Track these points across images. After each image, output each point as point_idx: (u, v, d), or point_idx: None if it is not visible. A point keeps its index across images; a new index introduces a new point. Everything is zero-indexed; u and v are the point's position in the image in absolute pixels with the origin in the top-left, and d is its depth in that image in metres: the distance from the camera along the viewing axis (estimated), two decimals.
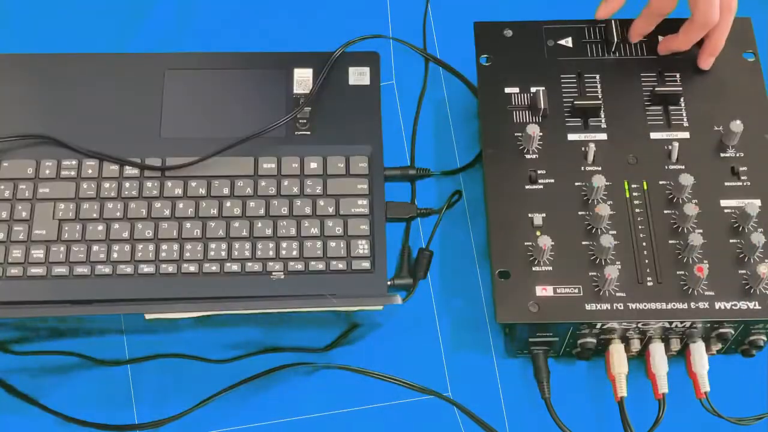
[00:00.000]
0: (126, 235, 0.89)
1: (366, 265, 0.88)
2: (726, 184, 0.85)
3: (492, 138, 0.88)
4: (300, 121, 0.95)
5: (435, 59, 1.01)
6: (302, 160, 0.93)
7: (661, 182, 0.85)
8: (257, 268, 0.88)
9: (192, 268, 0.88)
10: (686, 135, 0.87)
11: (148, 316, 0.84)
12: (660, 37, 0.90)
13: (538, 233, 0.83)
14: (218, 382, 0.86)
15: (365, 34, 1.00)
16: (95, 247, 0.89)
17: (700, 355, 0.82)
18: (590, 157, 0.86)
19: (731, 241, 0.82)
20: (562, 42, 0.92)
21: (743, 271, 0.81)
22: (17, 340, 0.89)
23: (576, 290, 0.81)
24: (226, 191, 0.91)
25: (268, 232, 0.89)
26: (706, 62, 0.89)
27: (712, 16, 0.85)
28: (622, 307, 0.80)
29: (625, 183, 0.85)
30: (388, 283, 0.89)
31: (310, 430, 0.86)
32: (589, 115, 0.88)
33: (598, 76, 0.90)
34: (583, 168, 0.86)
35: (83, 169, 0.92)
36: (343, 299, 0.85)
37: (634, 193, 0.85)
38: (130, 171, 0.92)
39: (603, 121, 0.88)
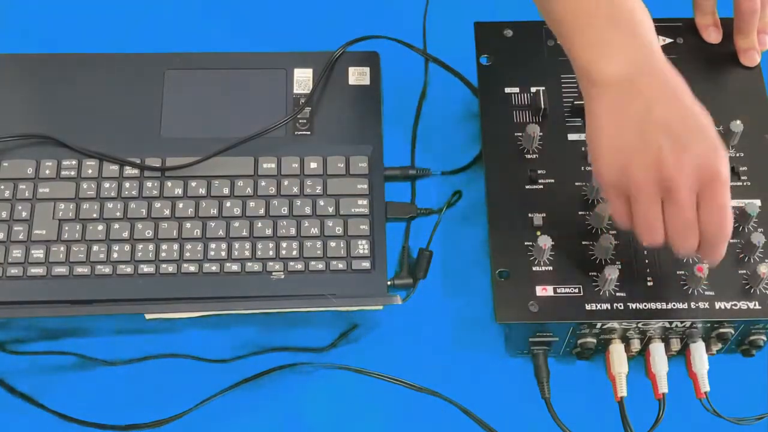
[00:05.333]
0: (126, 235, 0.89)
1: (366, 265, 0.88)
2: None
3: (492, 138, 0.88)
4: (300, 121, 0.95)
5: (435, 59, 1.01)
6: (302, 160, 0.93)
7: None
8: (257, 268, 0.88)
9: (192, 268, 0.88)
10: None
11: (148, 316, 0.84)
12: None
13: (538, 233, 0.83)
14: (218, 382, 0.86)
15: (365, 34, 1.00)
16: (95, 247, 0.89)
17: (700, 355, 0.82)
18: (590, 157, 0.86)
19: (731, 241, 0.82)
20: None
21: (743, 271, 0.81)
22: (17, 340, 0.89)
23: (576, 290, 0.81)
24: (226, 191, 0.91)
25: (268, 232, 0.89)
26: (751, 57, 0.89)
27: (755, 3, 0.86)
28: (622, 307, 0.80)
29: None
30: (388, 283, 0.89)
31: (309, 430, 0.86)
32: None
33: None
34: (583, 168, 0.86)
35: (83, 169, 0.92)
36: (343, 299, 0.85)
37: None
38: (130, 171, 0.92)
39: None
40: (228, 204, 0.91)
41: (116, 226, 0.90)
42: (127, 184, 0.91)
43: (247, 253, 0.89)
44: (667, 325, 0.80)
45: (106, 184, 0.91)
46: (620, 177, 0.72)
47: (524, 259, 0.82)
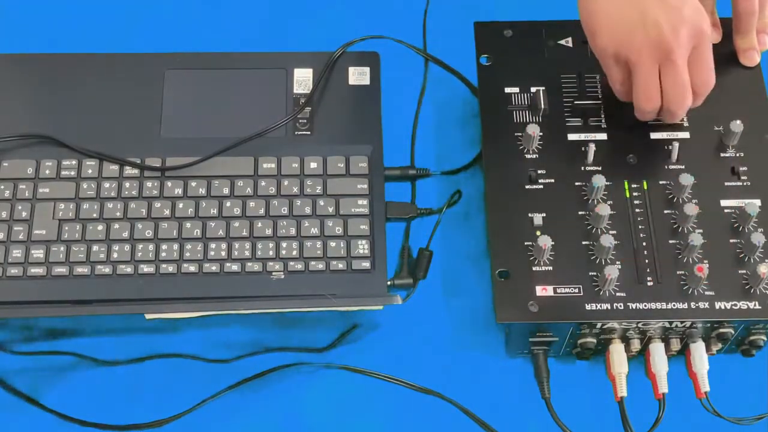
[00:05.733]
0: (126, 235, 0.89)
1: (366, 265, 0.88)
2: (726, 184, 0.85)
3: (492, 138, 0.88)
4: (300, 121, 0.95)
5: (435, 59, 1.01)
6: (302, 160, 0.93)
7: (661, 182, 0.85)
8: (257, 268, 0.88)
9: (192, 268, 0.88)
10: (686, 135, 0.87)
11: (148, 316, 0.84)
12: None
13: (538, 233, 0.83)
14: (218, 382, 0.86)
15: (365, 34, 1.00)
16: (95, 247, 0.89)
17: (700, 355, 0.82)
18: (590, 157, 0.86)
19: (731, 241, 0.82)
20: (562, 42, 0.92)
21: (743, 271, 0.81)
22: (17, 340, 0.89)
23: (576, 290, 0.81)
24: (226, 191, 0.91)
25: (268, 232, 0.89)
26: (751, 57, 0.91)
27: (753, 4, 0.87)
28: (622, 307, 0.80)
29: (625, 183, 0.85)
30: (388, 283, 0.89)
31: (309, 430, 0.86)
32: (589, 115, 0.88)
33: (598, 76, 0.90)
34: (583, 168, 0.86)
35: (83, 169, 0.92)
36: (343, 299, 0.85)
37: (634, 193, 0.85)
38: (130, 171, 0.92)
39: (603, 121, 0.88)
40: (228, 204, 0.91)
41: (116, 226, 0.90)
42: (127, 184, 0.91)
43: (247, 253, 0.89)
44: (667, 325, 0.80)
45: (106, 184, 0.91)
46: (620, 48, 0.81)
47: (524, 259, 0.82)
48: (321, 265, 0.88)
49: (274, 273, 0.88)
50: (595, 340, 0.82)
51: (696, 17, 0.80)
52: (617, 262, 0.81)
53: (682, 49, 0.80)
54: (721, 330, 0.80)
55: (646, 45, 0.80)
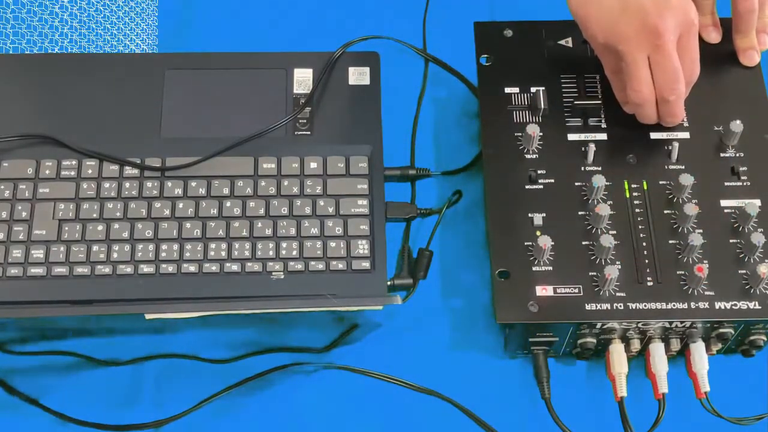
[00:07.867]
0: (126, 235, 0.89)
1: (366, 265, 0.88)
2: (726, 184, 0.85)
3: (492, 138, 0.88)
4: (300, 121, 0.95)
5: (435, 59, 1.01)
6: (302, 160, 0.93)
7: (661, 182, 0.85)
8: (257, 268, 0.88)
9: (192, 268, 0.88)
10: (686, 135, 0.87)
11: (148, 316, 0.84)
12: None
13: (538, 233, 0.83)
14: (218, 382, 0.86)
15: (365, 34, 1.00)
16: (95, 247, 0.89)
17: (700, 355, 0.82)
18: (590, 157, 0.86)
19: (731, 241, 0.82)
20: (562, 42, 0.92)
21: (743, 271, 0.81)
22: (17, 340, 0.89)
23: (576, 290, 0.81)
24: (226, 191, 0.91)
25: (268, 232, 0.89)
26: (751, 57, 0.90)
27: (753, 3, 0.87)
28: (622, 307, 0.80)
29: (625, 183, 0.85)
30: (388, 283, 0.89)
31: (309, 430, 0.86)
32: (589, 115, 0.89)
33: (598, 76, 0.90)
34: (583, 168, 0.86)
35: (83, 169, 0.92)
36: (343, 299, 0.85)
37: (634, 193, 0.85)
38: (130, 171, 0.92)
39: (603, 121, 0.88)
40: (228, 204, 0.91)
41: (116, 226, 0.90)
42: (127, 184, 0.91)
43: (247, 253, 0.89)
44: (667, 325, 0.80)
45: (106, 184, 0.91)
46: (608, 36, 0.81)
47: (524, 259, 0.82)
48: (321, 265, 0.88)
49: (274, 273, 0.88)
50: (595, 340, 0.82)
51: (683, 5, 0.80)
52: (617, 262, 0.81)
53: (669, 34, 0.79)
54: (721, 330, 0.81)
55: (632, 32, 0.79)
